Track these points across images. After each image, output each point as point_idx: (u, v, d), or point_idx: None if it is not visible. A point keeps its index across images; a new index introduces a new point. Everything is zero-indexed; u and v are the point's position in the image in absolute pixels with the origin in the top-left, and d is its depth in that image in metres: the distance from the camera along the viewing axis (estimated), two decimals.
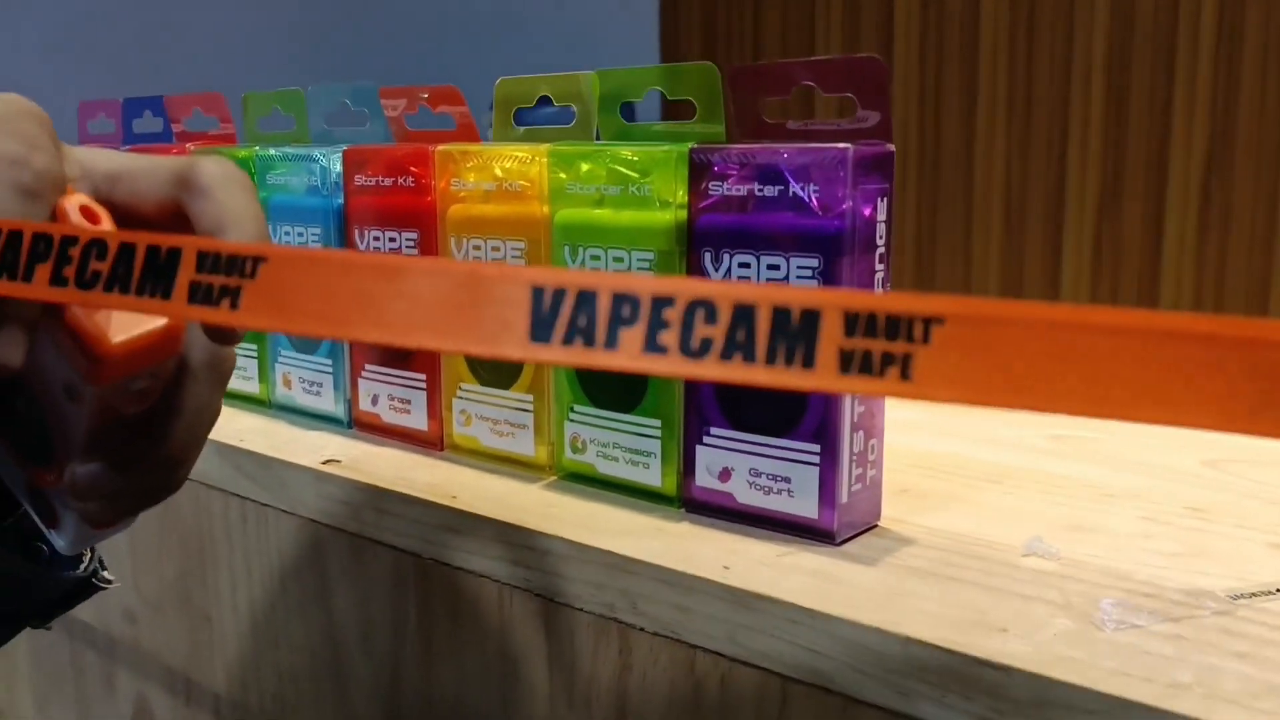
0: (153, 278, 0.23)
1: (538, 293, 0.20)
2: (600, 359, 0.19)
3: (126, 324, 0.28)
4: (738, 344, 0.19)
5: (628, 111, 0.47)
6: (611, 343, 0.19)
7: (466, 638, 0.45)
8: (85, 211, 0.28)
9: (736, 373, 0.19)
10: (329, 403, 0.56)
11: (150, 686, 0.72)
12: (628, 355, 0.19)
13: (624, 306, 0.19)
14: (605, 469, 0.45)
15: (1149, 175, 1.79)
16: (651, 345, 0.19)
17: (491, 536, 0.43)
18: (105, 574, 0.38)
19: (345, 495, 0.48)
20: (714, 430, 0.42)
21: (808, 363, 0.18)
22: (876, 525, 0.42)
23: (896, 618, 0.33)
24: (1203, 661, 0.31)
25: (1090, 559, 0.38)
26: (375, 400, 0.54)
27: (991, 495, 0.45)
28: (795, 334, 0.18)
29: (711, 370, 0.19)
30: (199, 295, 0.22)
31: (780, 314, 0.19)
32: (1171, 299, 1.78)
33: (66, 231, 0.24)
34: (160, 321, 0.28)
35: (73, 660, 0.79)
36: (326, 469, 0.49)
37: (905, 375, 0.18)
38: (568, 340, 0.20)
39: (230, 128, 0.64)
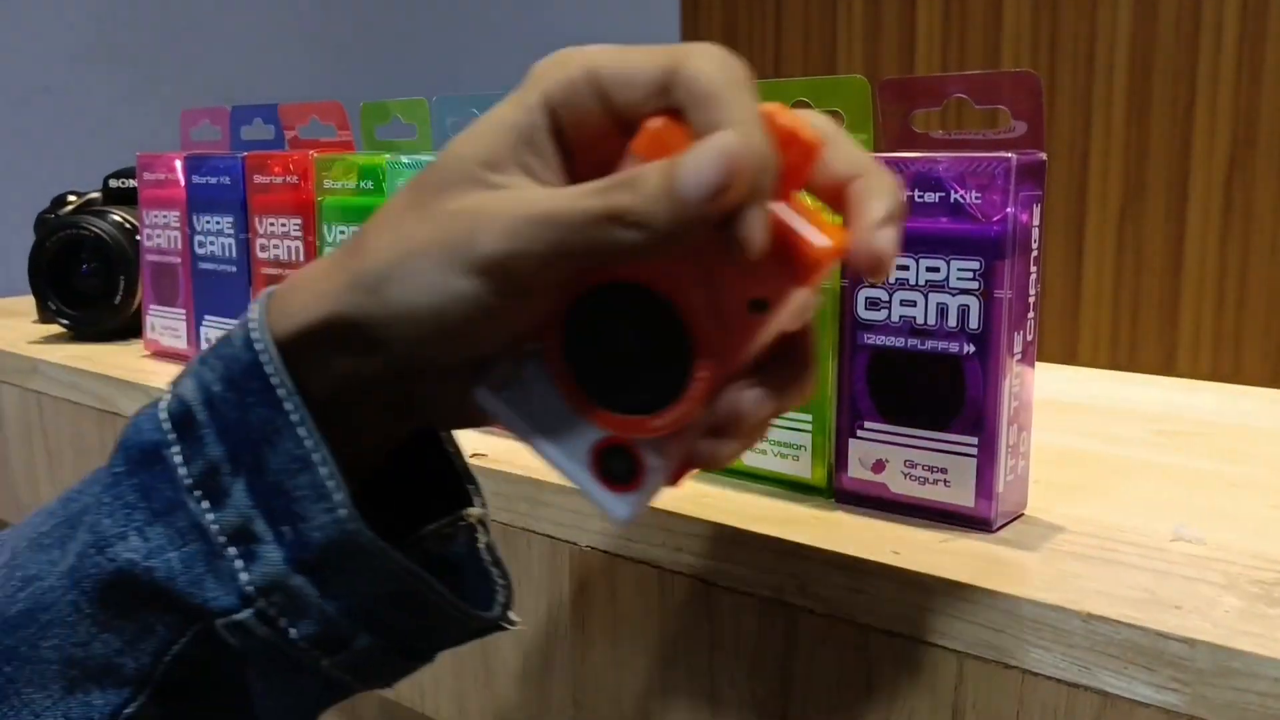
0: None
1: None
2: None
3: (813, 235, 0.28)
4: None
5: None
6: None
7: (625, 623, 0.47)
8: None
9: None
10: None
11: None
12: None
13: None
14: (753, 461, 0.48)
15: (1171, 178, 1.82)
16: None
17: (652, 524, 0.45)
18: (511, 614, 0.35)
19: (496, 487, 0.51)
20: (867, 423, 0.44)
21: None
22: (1023, 514, 0.44)
23: (1074, 596, 0.36)
24: None
25: (1235, 542, 0.41)
26: None
27: (1123, 486, 0.48)
28: None
29: None
30: None
31: None
32: (1193, 303, 1.81)
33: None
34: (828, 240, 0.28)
35: None
36: (476, 461, 0.52)
37: None
38: None
39: (348, 135, 0.67)
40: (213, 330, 0.72)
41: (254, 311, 0.31)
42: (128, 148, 0.83)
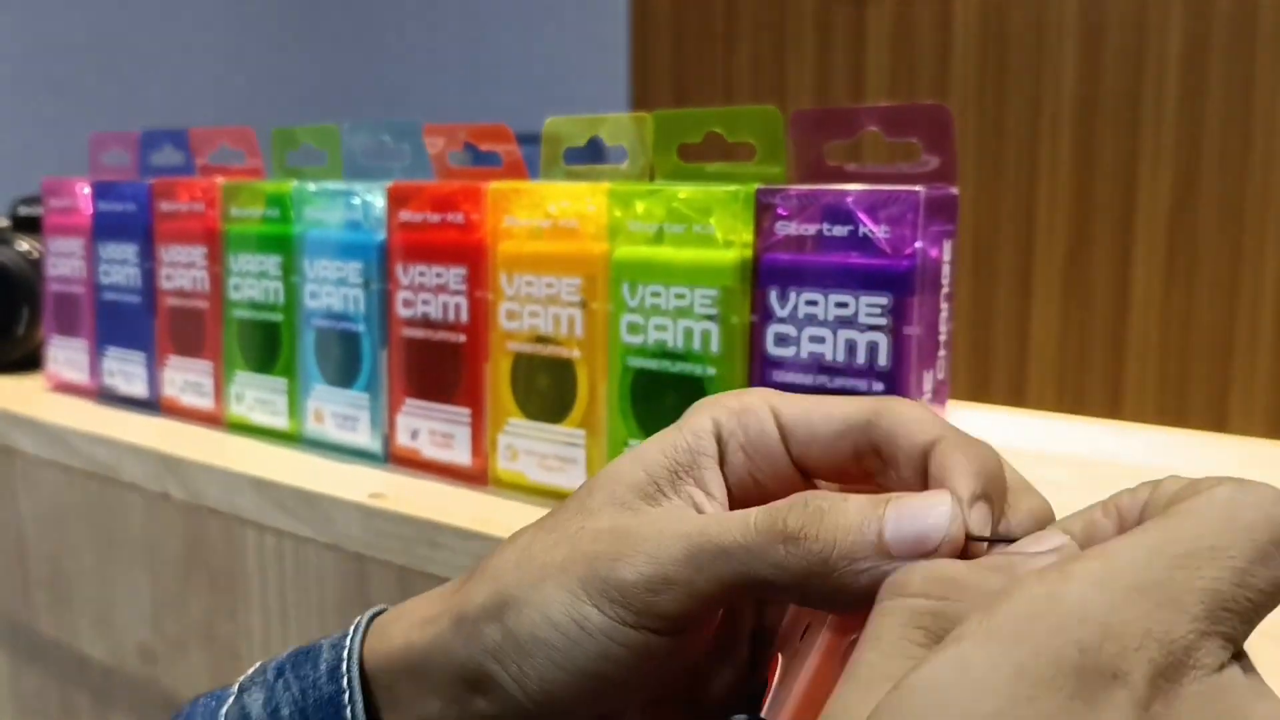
0: None
1: None
2: None
3: None
4: None
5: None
6: None
7: None
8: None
9: None
10: (365, 437, 0.56)
11: None
12: None
13: None
14: None
15: (1116, 224, 1.84)
16: None
17: None
18: None
19: (395, 529, 0.48)
20: None
21: None
22: None
23: None
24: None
25: None
26: (415, 435, 0.54)
27: None
28: None
29: None
30: None
31: None
32: (1139, 347, 1.83)
33: None
34: None
35: (63, 703, 0.77)
36: (374, 503, 0.49)
37: None
38: None
39: (257, 162, 0.65)
40: (114, 363, 0.69)
41: (351, 636, 0.28)
42: (41, 174, 0.81)
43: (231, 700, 0.29)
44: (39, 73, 1.81)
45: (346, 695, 0.27)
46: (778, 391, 0.28)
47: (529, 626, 0.25)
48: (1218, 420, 1.75)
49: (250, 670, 0.30)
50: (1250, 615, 0.19)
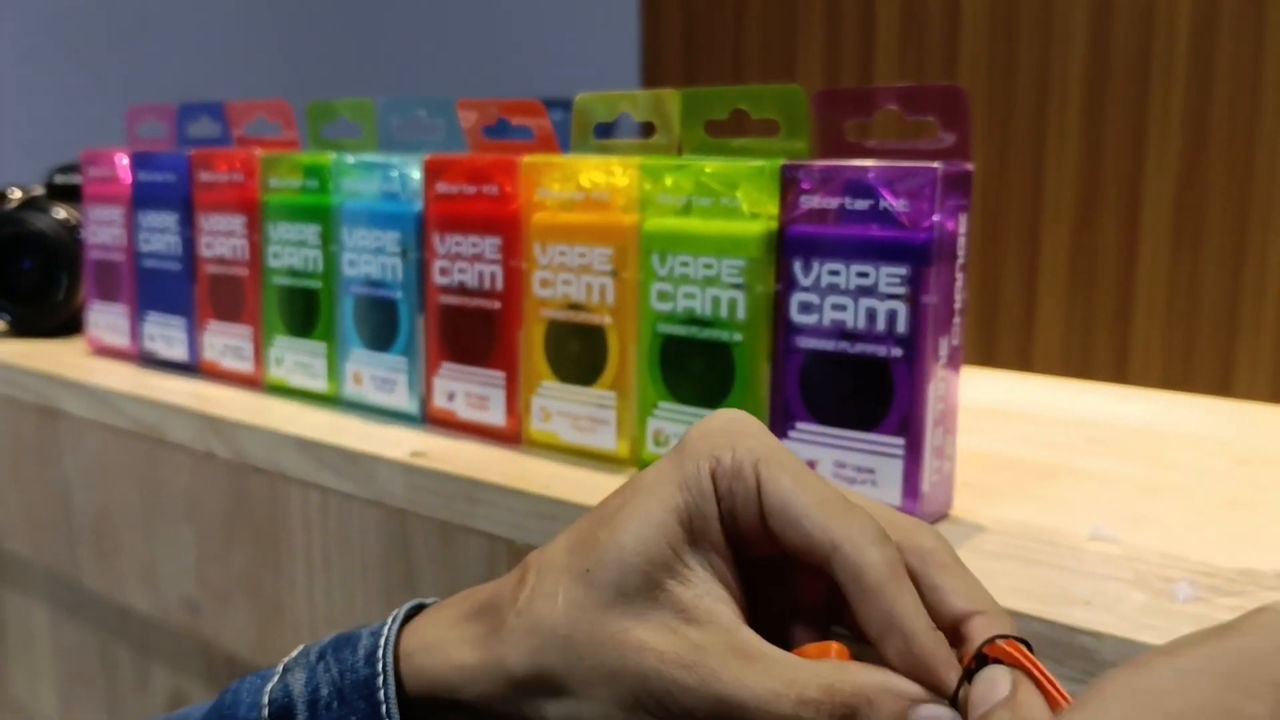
0: None
1: None
2: None
3: None
4: None
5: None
6: None
7: None
8: None
9: None
10: (402, 399, 0.59)
11: (189, 679, 0.73)
12: None
13: None
14: None
15: (1123, 193, 1.85)
16: None
17: None
18: None
19: (436, 485, 0.51)
20: (799, 425, 0.45)
21: None
22: (949, 515, 0.45)
23: (990, 593, 0.37)
24: None
25: (1149, 544, 0.42)
26: (452, 397, 0.57)
27: (1047, 489, 0.49)
28: None
29: None
30: None
31: None
32: (1145, 313, 1.85)
33: None
34: None
35: (103, 655, 0.80)
36: (415, 461, 0.52)
37: None
38: None
39: (293, 134, 0.67)
40: (155, 328, 0.72)
41: (389, 626, 0.32)
42: (76, 144, 0.83)
43: (275, 679, 0.32)
44: (70, 45, 1.83)
45: (380, 679, 0.30)
46: (764, 445, 0.29)
47: (563, 710, 0.29)
48: (1222, 386, 1.77)
49: (294, 652, 0.33)
50: None
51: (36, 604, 0.84)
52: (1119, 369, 1.87)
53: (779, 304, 0.45)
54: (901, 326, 0.42)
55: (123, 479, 0.69)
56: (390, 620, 0.32)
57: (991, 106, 1.98)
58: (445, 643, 0.31)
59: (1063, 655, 0.35)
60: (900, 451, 0.43)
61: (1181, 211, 1.80)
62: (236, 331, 0.67)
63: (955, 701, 0.26)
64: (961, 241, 0.43)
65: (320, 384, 0.63)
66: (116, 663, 0.80)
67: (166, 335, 0.71)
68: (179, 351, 0.71)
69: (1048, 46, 1.90)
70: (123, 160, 0.74)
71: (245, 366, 0.67)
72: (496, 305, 0.54)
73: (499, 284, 0.54)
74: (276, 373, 0.65)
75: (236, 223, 0.66)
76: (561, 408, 0.52)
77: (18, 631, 0.87)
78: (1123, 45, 1.82)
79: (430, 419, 0.58)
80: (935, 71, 2.05)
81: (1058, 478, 0.51)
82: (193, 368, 0.70)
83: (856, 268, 0.43)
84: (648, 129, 0.52)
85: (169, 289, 0.71)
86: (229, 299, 0.67)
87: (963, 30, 2.01)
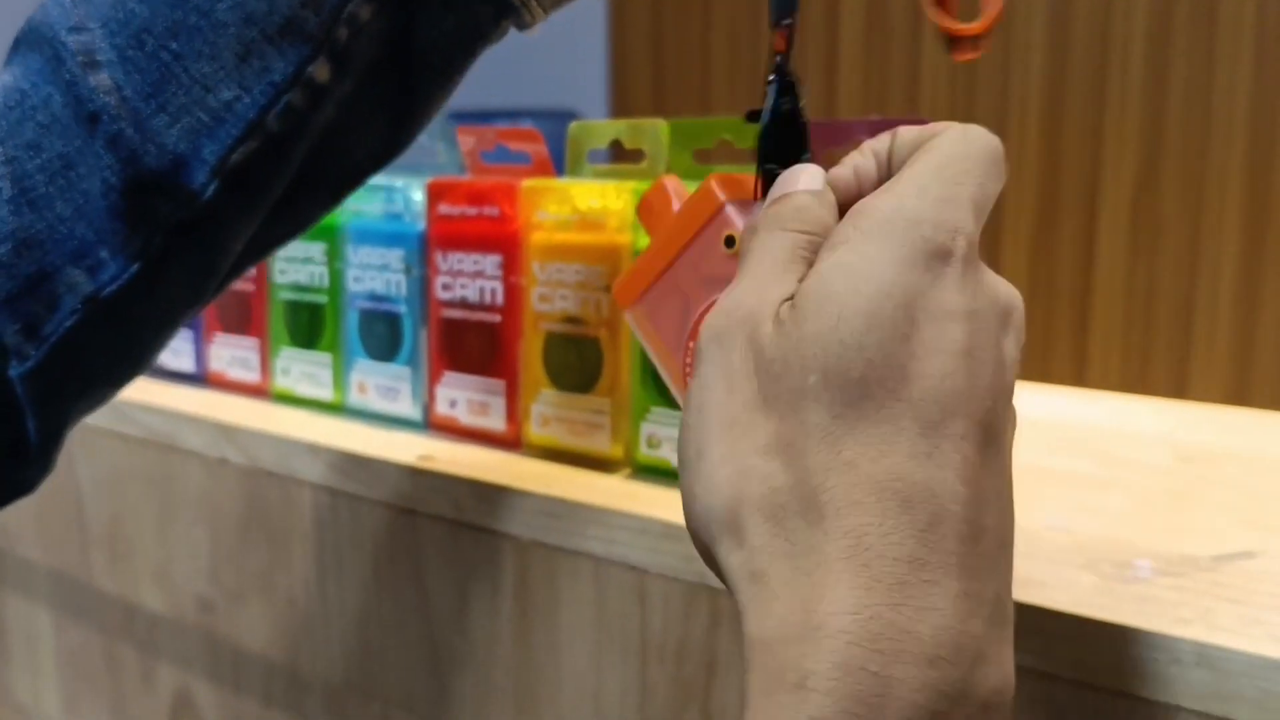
0: None
1: None
2: None
3: None
4: None
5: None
6: None
7: (563, 607, 0.52)
8: None
9: None
10: (406, 406, 0.63)
11: (195, 678, 0.76)
12: None
13: None
14: None
15: (1080, 203, 1.92)
16: None
17: (589, 520, 0.50)
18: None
19: (444, 486, 0.55)
20: None
21: None
22: None
23: None
24: (1199, 604, 0.39)
25: (1099, 532, 0.47)
26: (454, 404, 0.61)
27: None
28: None
29: None
30: None
31: None
32: (1103, 318, 1.91)
33: None
34: None
35: (106, 655, 0.83)
36: (423, 464, 0.56)
37: None
38: None
39: None
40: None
41: None
42: None
43: None
44: None
45: None
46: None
47: None
48: (1178, 388, 1.84)
49: None
50: (985, 212, 0.30)
51: (39, 607, 0.87)
52: (1078, 373, 1.93)
53: None
54: None
55: (136, 484, 0.72)
56: None
57: (953, 116, 2.03)
58: None
59: (1020, 632, 0.39)
60: None
61: (1138, 219, 1.86)
62: (243, 343, 0.71)
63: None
64: None
65: (326, 393, 0.67)
66: (121, 663, 0.83)
67: (173, 346, 0.74)
68: (185, 363, 0.74)
69: (1006, 61, 1.96)
70: None
71: (252, 376, 0.71)
72: (497, 319, 0.58)
73: (499, 299, 0.58)
74: (283, 382, 0.69)
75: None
76: (559, 414, 0.56)
77: (20, 635, 0.89)
78: (1080, 56, 1.88)
79: (433, 425, 0.62)
80: (898, 109, 2.10)
81: (1017, 473, 0.55)
82: (199, 378, 0.74)
83: None
84: (619, 152, 0.57)
85: None
86: (236, 313, 0.71)
87: (923, 68, 2.06)
